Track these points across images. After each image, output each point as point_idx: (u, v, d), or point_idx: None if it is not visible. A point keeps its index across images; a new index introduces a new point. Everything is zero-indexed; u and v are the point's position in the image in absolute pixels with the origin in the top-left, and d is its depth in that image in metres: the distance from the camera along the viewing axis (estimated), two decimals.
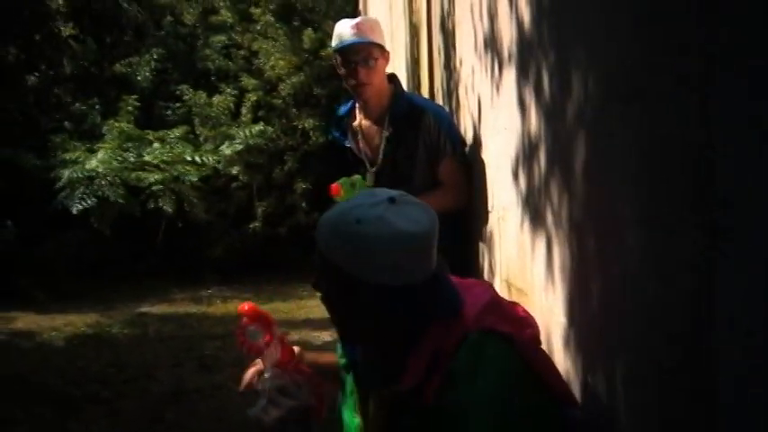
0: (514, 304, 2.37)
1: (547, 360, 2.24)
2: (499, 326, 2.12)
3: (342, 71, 4.40)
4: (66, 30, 12.77)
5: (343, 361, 2.59)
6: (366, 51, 4.29)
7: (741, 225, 1.46)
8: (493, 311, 2.18)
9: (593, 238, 2.26)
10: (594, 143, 2.21)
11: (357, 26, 4.31)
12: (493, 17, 3.56)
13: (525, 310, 2.31)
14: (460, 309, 2.13)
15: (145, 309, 10.62)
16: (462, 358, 2.02)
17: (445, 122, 4.38)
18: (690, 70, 1.57)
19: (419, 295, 2.08)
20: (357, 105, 4.51)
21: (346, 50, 4.31)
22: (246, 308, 2.48)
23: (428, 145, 4.28)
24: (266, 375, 2.37)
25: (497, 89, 3.56)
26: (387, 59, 4.43)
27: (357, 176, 4.24)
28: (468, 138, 4.37)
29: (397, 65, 7.38)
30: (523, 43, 3.01)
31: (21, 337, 9.37)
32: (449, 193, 4.31)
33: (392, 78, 4.50)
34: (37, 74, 12.63)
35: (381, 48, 4.35)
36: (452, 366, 2.02)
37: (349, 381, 2.56)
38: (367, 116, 4.45)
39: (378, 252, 2.04)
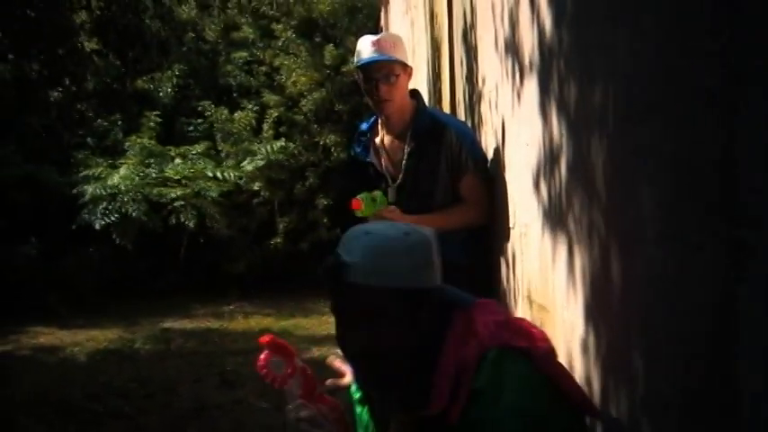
0: (523, 320, 2.43)
1: (564, 371, 2.24)
2: (514, 341, 2.14)
3: (363, 87, 4.40)
4: (90, 44, 12.82)
5: (357, 395, 2.58)
6: (387, 68, 4.29)
7: (765, 240, 1.45)
8: (507, 328, 2.20)
9: (615, 253, 2.25)
10: (617, 158, 2.21)
11: (378, 43, 4.31)
12: (515, 31, 3.56)
13: (535, 326, 2.33)
14: (472, 308, 2.21)
15: (167, 324, 10.63)
16: (483, 376, 2.04)
17: (468, 138, 4.37)
18: (714, 82, 1.56)
19: (436, 298, 2.16)
20: (379, 121, 4.51)
21: (368, 67, 4.31)
22: (267, 339, 2.48)
23: (450, 161, 4.28)
24: (291, 406, 2.37)
25: (519, 104, 3.55)
26: (409, 75, 4.43)
27: (377, 192, 4.25)
28: (490, 153, 4.36)
29: (419, 80, 7.39)
30: (545, 57, 3.01)
31: (43, 353, 9.41)
32: (471, 209, 4.31)
33: (414, 94, 4.50)
34: (60, 89, 12.68)
35: (403, 64, 4.35)
36: (475, 385, 2.04)
37: (364, 415, 2.55)
38: (389, 132, 4.46)
39: (424, 254, 2.17)
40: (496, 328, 2.17)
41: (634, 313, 2.10)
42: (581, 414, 2.17)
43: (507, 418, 1.99)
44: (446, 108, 6.23)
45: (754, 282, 1.47)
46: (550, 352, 2.22)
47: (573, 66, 2.63)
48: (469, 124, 4.98)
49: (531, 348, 2.14)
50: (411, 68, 4.47)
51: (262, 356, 2.46)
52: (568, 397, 2.12)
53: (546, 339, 2.25)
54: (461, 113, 5.54)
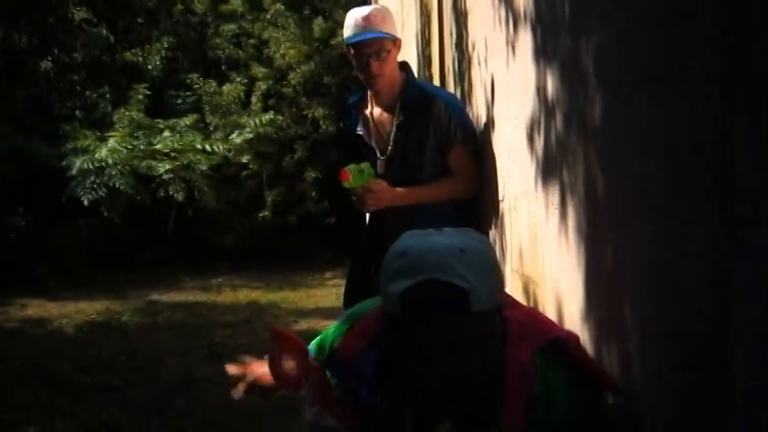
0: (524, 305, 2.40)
1: (588, 355, 2.24)
2: (549, 332, 2.13)
3: (354, 63, 4.39)
4: (79, 14, 12.69)
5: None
6: (378, 44, 4.27)
7: (759, 215, 1.45)
8: (532, 318, 2.21)
9: (606, 227, 2.25)
10: (610, 130, 2.20)
11: (368, 18, 4.28)
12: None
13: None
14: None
15: (155, 297, 10.64)
16: (538, 384, 2.00)
17: (457, 110, 4.36)
18: (712, 58, 1.55)
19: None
20: (369, 94, 4.50)
21: (358, 44, 4.30)
22: (280, 335, 2.35)
23: (439, 133, 4.27)
24: (310, 412, 2.29)
25: (509, 76, 3.54)
26: (399, 48, 4.41)
27: (365, 163, 4.24)
28: (480, 125, 4.35)
29: (409, 50, 7.37)
30: (538, 27, 2.99)
31: (31, 325, 9.40)
32: (459, 181, 4.31)
33: (404, 66, 4.49)
34: (50, 59, 12.57)
35: (393, 38, 4.34)
36: (531, 394, 1.99)
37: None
38: (378, 104, 4.44)
39: (497, 268, 2.03)
40: (528, 321, 2.15)
41: (626, 287, 2.10)
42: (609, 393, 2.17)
43: (567, 422, 1.98)
44: (435, 79, 6.21)
45: (750, 256, 1.47)
46: (577, 338, 2.20)
47: (565, 35, 2.62)
48: (459, 95, 4.97)
49: (567, 339, 2.12)
50: (400, 40, 4.45)
51: (275, 357, 2.32)
52: (596, 379, 2.10)
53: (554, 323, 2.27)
54: (451, 85, 5.53)
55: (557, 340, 2.09)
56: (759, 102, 1.43)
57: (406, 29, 7.91)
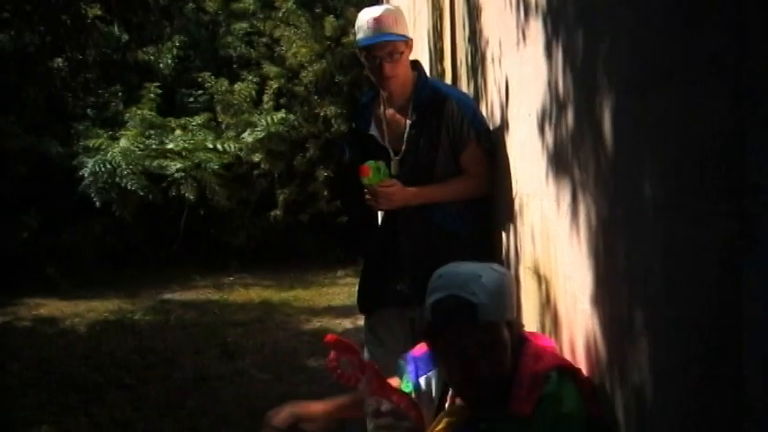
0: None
1: (593, 388, 2.63)
2: (565, 362, 2.69)
3: (367, 65, 4.37)
4: (93, 11, 12.68)
5: (410, 387, 2.94)
6: (391, 46, 4.25)
7: None
8: (555, 351, 2.83)
9: (618, 224, 2.25)
10: (621, 128, 2.20)
11: (380, 20, 4.26)
12: None
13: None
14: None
15: (167, 296, 10.65)
16: (551, 387, 2.51)
17: (469, 109, 4.35)
18: (722, 53, 1.55)
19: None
20: (381, 94, 4.48)
21: (371, 46, 4.28)
22: (332, 339, 2.77)
23: (451, 132, 4.26)
24: (369, 402, 2.67)
25: (521, 72, 3.54)
26: (411, 48, 4.39)
27: (382, 162, 4.24)
28: (492, 124, 4.34)
29: (421, 48, 7.35)
30: (551, 23, 2.99)
31: (44, 324, 9.42)
32: (471, 180, 4.30)
33: (415, 65, 4.47)
34: (64, 57, 12.56)
35: (405, 39, 4.32)
36: (543, 392, 2.50)
37: None
38: (390, 104, 4.42)
39: (509, 292, 2.68)
40: (549, 348, 2.77)
41: (637, 284, 2.10)
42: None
43: (569, 417, 2.48)
44: (448, 74, 6.20)
45: (762, 252, 1.47)
46: (586, 374, 2.67)
47: (578, 33, 2.62)
48: (471, 91, 4.96)
49: (577, 371, 2.64)
50: (412, 40, 4.43)
51: (331, 356, 2.75)
52: (592, 410, 2.55)
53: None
54: (463, 80, 5.51)
55: (573, 366, 2.66)
56: None
57: (417, 24, 7.89)
